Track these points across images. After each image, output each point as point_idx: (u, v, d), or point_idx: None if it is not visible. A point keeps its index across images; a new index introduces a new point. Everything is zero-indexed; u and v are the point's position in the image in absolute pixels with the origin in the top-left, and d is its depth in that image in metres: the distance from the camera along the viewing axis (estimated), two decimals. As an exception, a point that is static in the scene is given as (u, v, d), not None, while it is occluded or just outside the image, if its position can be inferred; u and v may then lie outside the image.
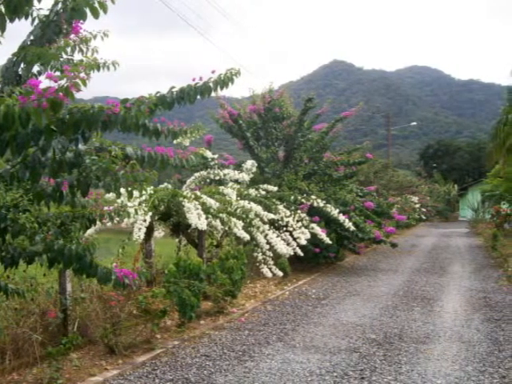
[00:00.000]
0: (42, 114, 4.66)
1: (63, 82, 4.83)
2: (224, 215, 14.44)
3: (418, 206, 48.12)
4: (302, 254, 17.62)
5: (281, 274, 16.46)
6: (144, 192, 12.12)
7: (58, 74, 5.72)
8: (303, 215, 18.30)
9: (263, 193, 18.52)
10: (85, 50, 7.10)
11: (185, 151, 6.71)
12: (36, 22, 6.58)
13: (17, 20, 6.23)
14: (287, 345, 10.35)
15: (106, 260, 10.92)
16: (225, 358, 9.48)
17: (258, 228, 15.92)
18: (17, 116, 4.66)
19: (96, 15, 6.15)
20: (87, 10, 6.18)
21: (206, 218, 13.46)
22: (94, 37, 7.07)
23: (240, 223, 14.62)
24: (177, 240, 16.42)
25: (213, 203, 13.87)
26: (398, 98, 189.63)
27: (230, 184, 17.71)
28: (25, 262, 6.67)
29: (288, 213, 17.79)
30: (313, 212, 19.43)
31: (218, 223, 14.35)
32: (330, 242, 18.77)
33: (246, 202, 15.69)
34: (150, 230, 13.24)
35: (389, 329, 11.60)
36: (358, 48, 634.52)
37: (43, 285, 10.14)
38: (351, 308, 13.79)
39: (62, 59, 6.89)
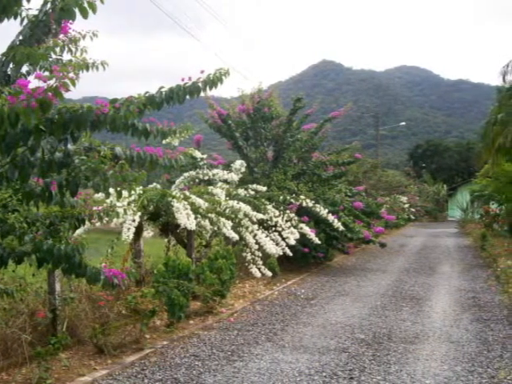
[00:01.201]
0: (31, 114, 4.66)
1: (52, 82, 4.84)
2: (213, 215, 14.45)
3: (407, 205, 48.27)
4: (291, 254, 17.62)
5: (270, 274, 16.46)
6: (133, 192, 12.11)
7: (47, 74, 5.71)
8: (292, 215, 18.30)
9: (252, 193, 18.52)
10: (74, 49, 7.09)
11: (174, 151, 6.71)
12: (25, 21, 6.60)
13: (6, 20, 6.24)
14: (276, 345, 10.36)
15: (95, 260, 10.88)
16: (214, 358, 9.49)
17: (247, 228, 15.93)
18: (6, 116, 4.66)
19: (85, 15, 6.16)
20: (76, 10, 6.18)
21: (195, 218, 13.46)
22: (83, 37, 7.06)
23: (229, 223, 14.62)
24: (166, 240, 16.41)
25: (202, 203, 13.87)
26: (387, 97, 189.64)
27: (219, 184, 17.72)
28: (14, 261, 6.66)
29: (277, 213, 17.78)
30: (302, 212, 19.45)
31: (207, 223, 14.34)
32: (319, 242, 18.78)
33: (235, 201, 15.68)
34: (139, 230, 13.23)
35: (378, 329, 11.63)
36: (347, 48, 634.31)
37: (32, 285, 10.13)
38: (340, 308, 13.82)
39: (50, 59, 6.88)
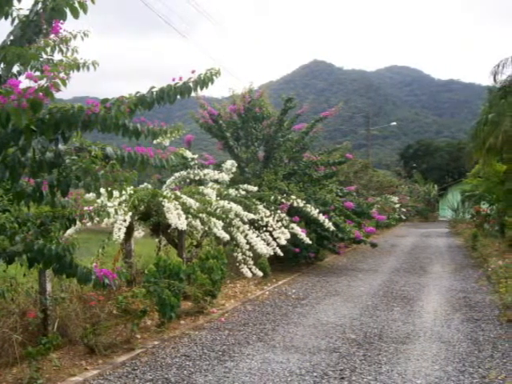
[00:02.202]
0: (21, 114, 4.66)
1: (43, 82, 4.84)
2: (204, 215, 14.43)
3: (397, 205, 48.36)
4: (281, 254, 17.61)
5: (261, 274, 16.45)
6: (124, 192, 12.08)
7: (37, 74, 5.71)
8: (283, 215, 18.30)
9: (243, 193, 18.53)
10: (65, 49, 7.08)
11: (165, 151, 6.72)
12: (16, 21, 6.58)
13: (-4, 20, 6.22)
14: (267, 345, 10.36)
15: (85, 260, 10.90)
16: (205, 358, 9.49)
17: (238, 228, 15.93)
18: (-4, 116, 4.65)
19: (76, 15, 6.16)
20: (67, 10, 6.18)
21: (186, 218, 13.45)
22: (74, 37, 7.05)
23: (220, 223, 14.61)
24: (157, 240, 16.38)
25: (193, 203, 13.87)
26: (377, 97, 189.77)
27: (210, 184, 17.72)
28: (5, 261, 6.66)
29: (268, 213, 17.78)
30: (293, 212, 19.44)
31: (197, 223, 14.33)
32: (310, 242, 18.75)
33: (226, 202, 15.68)
34: (129, 230, 13.21)
35: (369, 329, 11.64)
36: (338, 48, 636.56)
37: (23, 285, 10.12)
38: (331, 308, 13.82)
39: (41, 59, 6.87)
